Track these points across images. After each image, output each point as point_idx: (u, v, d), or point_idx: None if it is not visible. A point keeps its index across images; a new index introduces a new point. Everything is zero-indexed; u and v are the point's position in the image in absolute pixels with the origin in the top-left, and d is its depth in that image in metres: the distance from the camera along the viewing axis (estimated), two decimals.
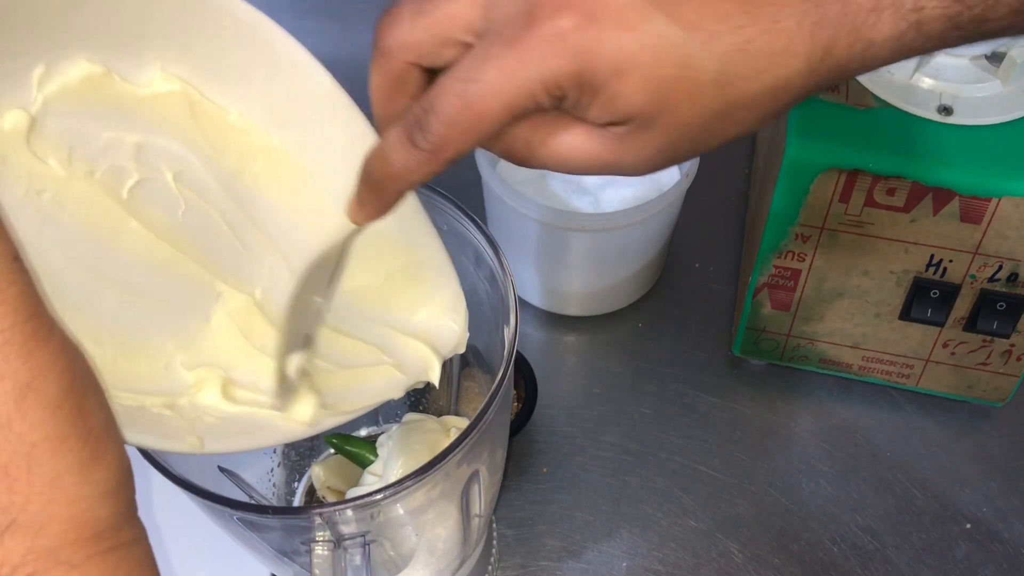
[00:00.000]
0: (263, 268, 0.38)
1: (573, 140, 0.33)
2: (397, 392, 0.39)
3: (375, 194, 0.35)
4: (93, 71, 0.34)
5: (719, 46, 0.30)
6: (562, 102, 0.32)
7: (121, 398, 0.32)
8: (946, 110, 0.54)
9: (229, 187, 0.38)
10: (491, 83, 0.31)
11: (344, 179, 0.36)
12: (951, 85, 0.55)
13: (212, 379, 0.36)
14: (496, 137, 0.33)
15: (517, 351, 0.63)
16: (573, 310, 0.70)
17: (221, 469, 0.46)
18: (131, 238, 0.35)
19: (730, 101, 0.31)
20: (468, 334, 0.41)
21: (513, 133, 0.33)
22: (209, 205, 0.37)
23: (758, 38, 0.30)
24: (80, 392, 0.27)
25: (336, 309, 0.40)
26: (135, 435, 0.32)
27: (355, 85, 0.85)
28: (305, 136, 0.38)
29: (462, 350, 0.41)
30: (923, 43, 0.31)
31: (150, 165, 0.36)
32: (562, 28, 0.30)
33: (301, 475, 0.56)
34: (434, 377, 0.40)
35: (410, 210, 0.40)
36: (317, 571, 0.39)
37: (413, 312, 0.41)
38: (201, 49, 0.36)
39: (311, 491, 0.55)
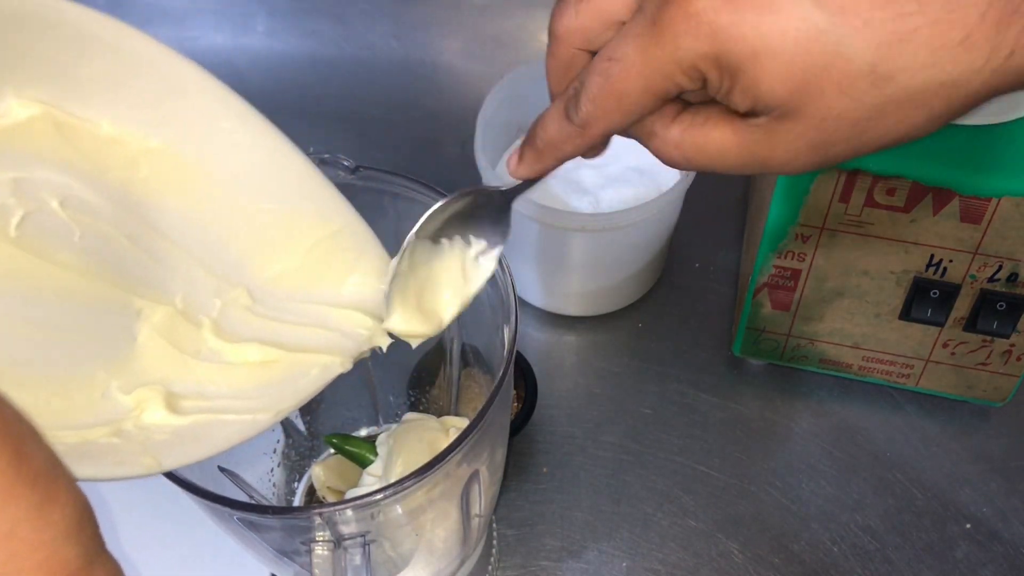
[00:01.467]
0: (178, 275, 0.37)
1: (722, 135, 0.32)
2: (346, 365, 0.39)
3: (534, 156, 0.36)
4: None
5: (875, 34, 0.28)
6: (706, 87, 0.31)
7: (63, 437, 0.32)
8: None
9: (120, 201, 0.36)
10: (630, 62, 0.31)
11: (248, 159, 0.35)
12: None
13: (153, 397, 0.35)
14: (649, 134, 0.33)
15: (517, 351, 0.63)
16: (573, 310, 0.70)
17: (221, 469, 0.46)
18: (33, 275, 0.34)
19: (889, 96, 0.29)
20: None
21: (664, 134, 0.33)
22: (104, 224, 0.36)
23: (925, 28, 0.27)
24: (15, 438, 0.25)
25: (265, 299, 0.39)
26: (85, 470, 0.31)
27: (355, 84, 0.84)
28: (188, 131, 0.37)
29: None
30: None
31: (31, 197, 0.34)
32: (700, 7, 0.29)
33: (301, 475, 0.56)
34: (383, 342, 0.39)
35: (314, 183, 0.39)
36: (317, 571, 0.39)
37: (341, 283, 0.40)
38: (51, 66, 0.34)
39: (311, 491, 0.55)
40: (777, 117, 0.30)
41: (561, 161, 0.36)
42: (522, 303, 0.70)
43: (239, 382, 0.37)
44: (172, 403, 0.35)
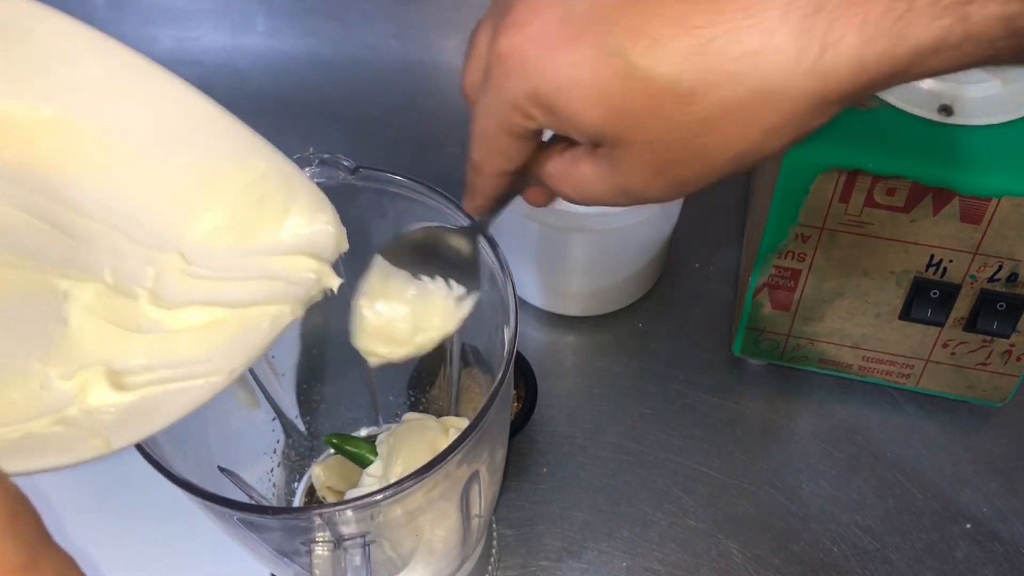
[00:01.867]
0: (101, 250, 0.36)
1: (585, 170, 0.33)
2: (296, 312, 0.37)
3: (469, 196, 0.38)
4: None
5: (667, 52, 0.27)
6: (541, 125, 0.32)
7: (2, 433, 0.31)
8: (946, 110, 0.54)
9: (23, 180, 0.34)
10: (482, 106, 0.33)
11: (152, 115, 0.34)
12: (951, 85, 0.55)
13: (95, 378, 0.33)
14: (533, 170, 0.36)
15: (517, 351, 0.63)
16: (573, 310, 0.70)
17: (221, 469, 0.46)
18: None
19: (704, 113, 0.28)
20: (344, 228, 0.39)
21: (545, 169, 0.35)
22: (10, 208, 0.34)
23: (720, 37, 0.27)
24: None
25: (200, 259, 0.37)
26: (27, 463, 0.30)
27: (355, 84, 0.84)
28: (81, 95, 0.35)
29: (345, 247, 0.39)
30: (972, 49, 0.26)
31: None
32: (508, 50, 0.30)
33: (301, 475, 0.56)
34: (332, 283, 0.38)
35: (229, 130, 0.37)
36: (317, 571, 0.39)
37: (278, 229, 0.38)
38: None
39: (311, 491, 0.55)
40: (611, 146, 0.31)
41: (492, 200, 0.38)
42: (522, 303, 0.70)
43: (186, 348, 0.35)
44: (117, 381, 0.33)
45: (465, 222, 0.43)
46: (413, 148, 0.80)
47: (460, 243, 0.41)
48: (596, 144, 0.32)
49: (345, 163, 0.44)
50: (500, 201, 0.39)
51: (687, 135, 0.29)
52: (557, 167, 0.35)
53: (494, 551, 0.58)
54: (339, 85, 0.84)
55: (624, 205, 0.34)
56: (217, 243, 0.37)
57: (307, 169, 0.43)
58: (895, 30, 0.26)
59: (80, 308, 0.35)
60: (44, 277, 0.34)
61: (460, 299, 0.41)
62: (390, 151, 0.80)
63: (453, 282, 0.41)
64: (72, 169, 0.35)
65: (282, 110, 0.82)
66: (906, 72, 0.27)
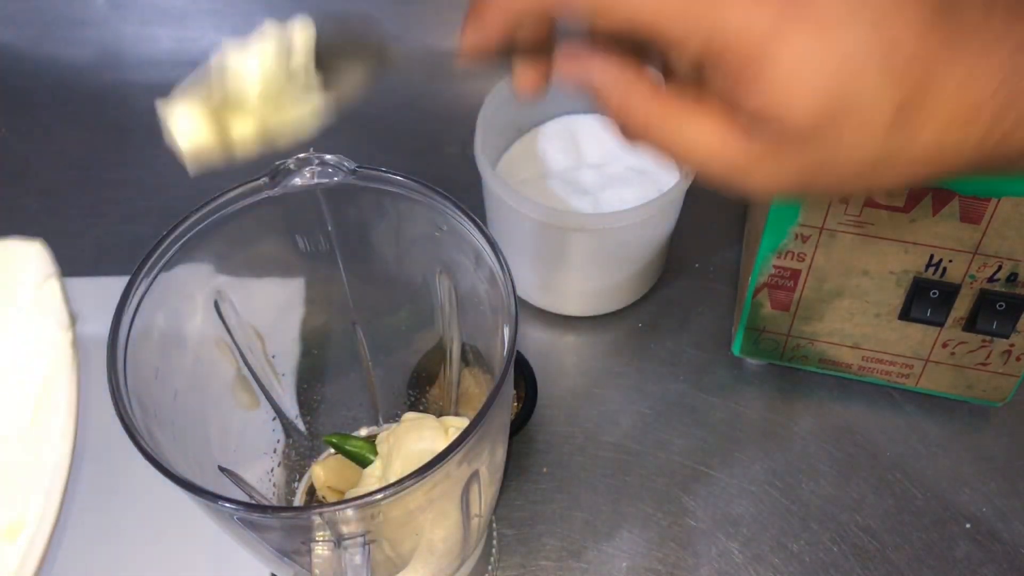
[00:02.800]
0: None
1: (703, 126, 0.29)
2: None
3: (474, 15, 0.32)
4: None
5: (909, 77, 0.27)
6: (708, 72, 0.28)
7: None
8: None
9: None
10: None
11: None
12: None
13: None
14: (612, 91, 0.30)
15: (517, 351, 0.63)
16: (573, 310, 0.70)
17: (221, 469, 0.46)
18: None
19: (901, 145, 0.28)
20: None
21: (636, 101, 0.30)
22: None
23: (949, 87, 0.27)
24: None
25: None
26: None
27: None
28: None
29: None
30: None
31: None
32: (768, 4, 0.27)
33: (301, 475, 0.56)
34: None
35: None
36: (317, 571, 0.39)
37: None
38: None
39: (311, 491, 0.55)
40: (785, 136, 0.28)
41: (495, 40, 0.32)
42: (522, 303, 0.70)
43: None
44: None
45: (466, 222, 0.43)
46: (413, 148, 0.80)
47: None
48: (759, 120, 0.28)
49: (345, 164, 0.44)
50: (499, 52, 0.32)
51: (872, 160, 0.28)
52: (661, 109, 0.29)
53: (494, 551, 0.58)
54: None
55: (717, 180, 0.30)
56: None
57: (307, 169, 0.44)
58: None
59: None
60: None
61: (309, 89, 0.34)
62: (390, 151, 0.80)
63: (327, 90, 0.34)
64: None
65: None
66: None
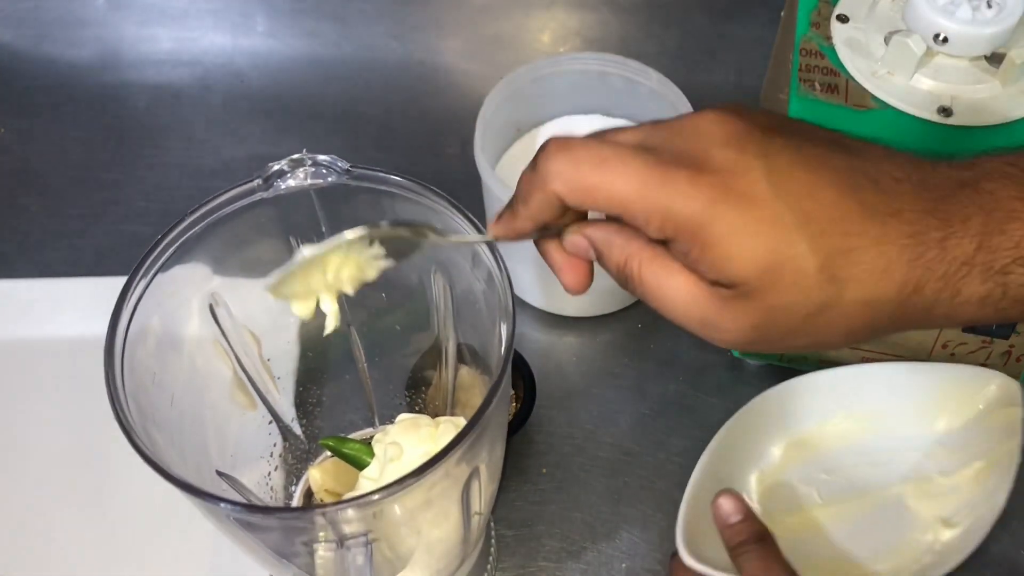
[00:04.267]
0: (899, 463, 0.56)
1: (679, 284, 0.34)
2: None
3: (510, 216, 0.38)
4: None
5: (826, 242, 0.32)
6: (670, 245, 0.34)
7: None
8: (946, 111, 0.54)
9: None
10: (622, 172, 0.33)
11: None
12: (951, 86, 0.55)
13: (938, 525, 0.57)
14: (608, 257, 0.36)
15: (515, 350, 0.63)
16: (572, 310, 0.70)
17: (220, 474, 0.46)
18: None
19: (829, 298, 0.32)
20: None
21: (630, 263, 0.35)
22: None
23: (862, 249, 0.32)
24: None
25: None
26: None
27: (355, 84, 0.84)
28: None
29: None
30: (1010, 305, 0.33)
31: None
32: (706, 180, 0.32)
33: (298, 478, 0.56)
34: None
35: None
36: (321, 572, 0.39)
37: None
38: None
39: (309, 494, 0.55)
40: (739, 294, 0.33)
41: (521, 235, 0.38)
42: (521, 303, 0.70)
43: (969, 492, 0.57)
44: (947, 523, 0.57)
45: (462, 220, 0.43)
46: (413, 148, 0.80)
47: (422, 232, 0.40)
48: (716, 282, 0.33)
49: (339, 164, 0.44)
50: (521, 237, 0.38)
51: (809, 311, 0.33)
52: (647, 267, 0.35)
53: (492, 552, 0.58)
54: (339, 85, 0.84)
55: (695, 331, 0.35)
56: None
57: (300, 170, 0.43)
58: (958, 285, 0.32)
59: (911, 496, 0.58)
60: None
61: (376, 258, 0.40)
62: (390, 151, 0.80)
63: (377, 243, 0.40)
64: None
65: (282, 110, 0.82)
66: (948, 317, 0.33)
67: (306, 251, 0.39)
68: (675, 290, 0.35)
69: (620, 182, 0.33)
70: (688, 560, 0.51)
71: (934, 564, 0.55)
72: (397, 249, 0.40)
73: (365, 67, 0.84)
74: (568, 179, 0.34)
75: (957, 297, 0.33)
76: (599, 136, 0.36)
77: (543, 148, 0.36)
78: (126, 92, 0.83)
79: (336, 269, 0.40)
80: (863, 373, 0.60)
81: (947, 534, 0.56)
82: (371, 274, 0.40)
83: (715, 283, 0.34)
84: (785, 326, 0.33)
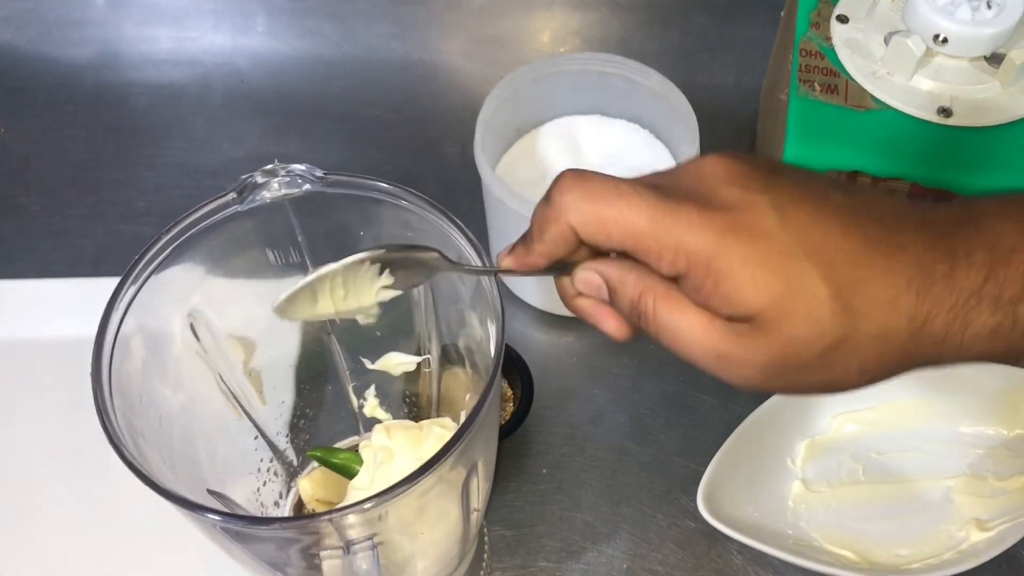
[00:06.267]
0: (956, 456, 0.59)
1: (693, 321, 0.34)
2: None
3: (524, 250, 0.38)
4: None
5: (836, 271, 0.32)
6: (682, 282, 0.34)
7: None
8: (945, 112, 0.54)
9: None
10: (631, 204, 0.34)
11: None
12: (951, 87, 0.55)
13: (971, 527, 0.57)
14: (622, 294, 0.36)
15: (511, 350, 0.63)
16: None
17: (210, 492, 0.46)
18: None
19: (845, 330, 0.32)
20: None
21: (644, 299, 0.35)
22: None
23: (870, 280, 0.32)
24: None
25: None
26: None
27: (355, 84, 0.84)
28: None
29: None
30: (1021, 338, 0.33)
31: None
32: (720, 215, 0.33)
33: (288, 491, 0.56)
34: None
35: None
36: None
37: None
38: None
39: (299, 506, 0.54)
40: (753, 327, 0.33)
41: (533, 269, 0.38)
42: (521, 303, 0.70)
43: (1007, 502, 0.59)
44: (983, 526, 0.58)
45: (441, 219, 0.43)
46: (413, 148, 0.80)
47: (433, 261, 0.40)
48: (730, 317, 0.34)
49: (315, 172, 0.43)
50: (533, 272, 0.38)
51: (821, 347, 0.33)
52: (660, 305, 0.35)
53: (486, 553, 0.58)
54: (339, 85, 0.84)
55: (711, 370, 0.35)
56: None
57: (275, 180, 0.43)
58: (968, 317, 0.32)
59: (958, 491, 0.59)
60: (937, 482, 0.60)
61: (385, 288, 0.41)
62: (390, 151, 0.80)
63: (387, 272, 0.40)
64: None
65: (282, 110, 0.82)
66: (959, 350, 0.33)
67: (312, 273, 0.39)
68: (689, 327, 0.35)
69: (634, 215, 0.34)
70: (706, 516, 0.54)
71: (952, 562, 0.55)
72: (407, 277, 0.41)
73: (365, 67, 0.84)
74: (583, 212, 0.35)
75: (968, 329, 0.32)
76: (610, 175, 0.36)
77: (557, 181, 0.36)
78: (126, 92, 0.83)
79: (343, 295, 0.40)
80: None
81: (978, 536, 0.57)
82: (381, 300, 0.41)
83: (729, 318, 0.34)
84: (801, 360, 0.33)
